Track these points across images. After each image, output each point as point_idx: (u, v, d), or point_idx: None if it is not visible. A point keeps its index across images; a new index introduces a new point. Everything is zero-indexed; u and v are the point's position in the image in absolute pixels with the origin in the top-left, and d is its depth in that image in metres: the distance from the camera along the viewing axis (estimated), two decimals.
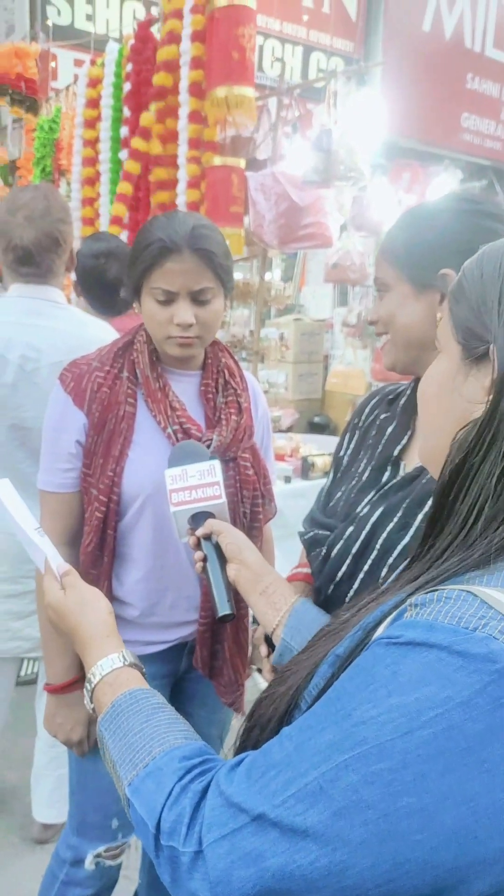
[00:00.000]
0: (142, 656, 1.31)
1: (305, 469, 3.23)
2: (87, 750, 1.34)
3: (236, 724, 1.45)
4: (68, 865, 1.38)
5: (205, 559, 1.00)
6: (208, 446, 1.23)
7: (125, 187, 3.05)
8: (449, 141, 7.06)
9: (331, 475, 1.17)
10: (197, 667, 1.34)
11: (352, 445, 1.14)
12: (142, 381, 1.26)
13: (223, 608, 0.96)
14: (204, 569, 1.00)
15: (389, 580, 0.71)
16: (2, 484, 0.93)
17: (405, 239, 0.98)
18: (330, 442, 3.70)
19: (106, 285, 2.39)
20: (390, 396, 1.13)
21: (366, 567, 0.95)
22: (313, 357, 4.98)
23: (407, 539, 0.92)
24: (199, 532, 1.01)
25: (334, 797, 0.49)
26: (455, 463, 0.57)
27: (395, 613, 0.56)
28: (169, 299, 1.19)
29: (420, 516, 0.92)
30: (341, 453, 1.16)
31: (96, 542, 1.25)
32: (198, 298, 1.20)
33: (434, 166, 4.79)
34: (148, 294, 1.20)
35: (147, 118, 2.93)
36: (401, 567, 0.73)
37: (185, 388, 1.31)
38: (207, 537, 1.01)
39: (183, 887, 0.54)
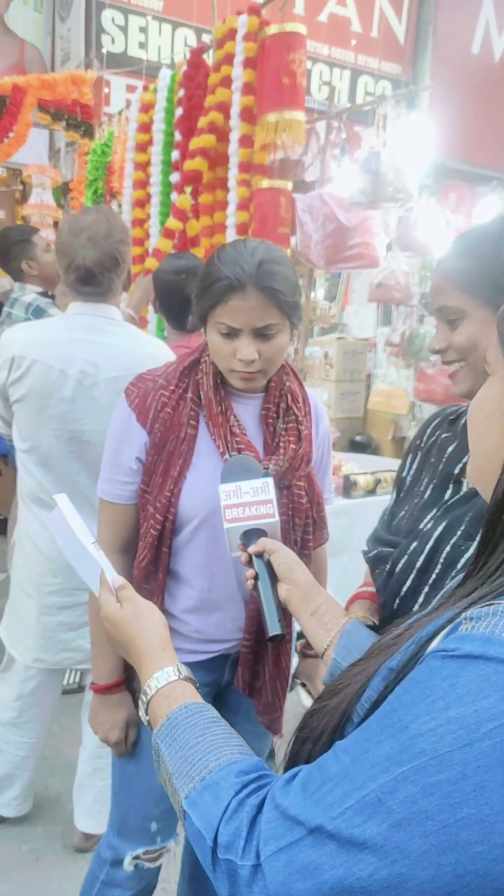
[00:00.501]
0: (185, 664, 1.35)
1: (347, 488, 3.22)
2: (125, 752, 1.37)
3: (280, 741, 1.46)
4: (108, 866, 1.41)
5: (256, 577, 1.01)
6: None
7: (184, 202, 3.07)
8: (497, 162, 7.03)
9: (394, 495, 1.19)
10: (238, 686, 1.35)
11: (414, 465, 1.16)
12: (205, 403, 1.26)
13: (273, 628, 0.96)
14: (255, 587, 1.01)
15: (439, 596, 0.72)
16: (61, 499, 0.96)
17: (478, 264, 0.98)
18: (371, 461, 3.69)
19: (184, 302, 2.45)
20: (451, 417, 1.15)
21: (430, 580, 0.97)
22: (355, 376, 4.98)
23: (471, 552, 0.93)
24: (252, 549, 1.02)
25: (393, 809, 0.49)
26: None
27: (449, 627, 0.57)
28: (232, 334, 1.18)
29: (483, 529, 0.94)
30: (404, 474, 1.18)
31: (150, 559, 1.27)
32: (262, 333, 1.18)
33: (481, 187, 4.77)
34: (213, 327, 1.20)
35: (207, 140, 2.98)
36: (451, 584, 0.74)
37: (246, 410, 1.30)
38: (259, 555, 1.02)
39: None
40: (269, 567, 1.01)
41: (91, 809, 2.07)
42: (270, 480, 1.09)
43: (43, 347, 1.72)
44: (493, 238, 1.00)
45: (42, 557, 1.84)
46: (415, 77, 6.39)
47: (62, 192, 5.21)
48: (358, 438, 4.74)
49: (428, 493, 1.06)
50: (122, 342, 1.76)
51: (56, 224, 4.60)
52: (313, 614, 0.95)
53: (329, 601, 0.97)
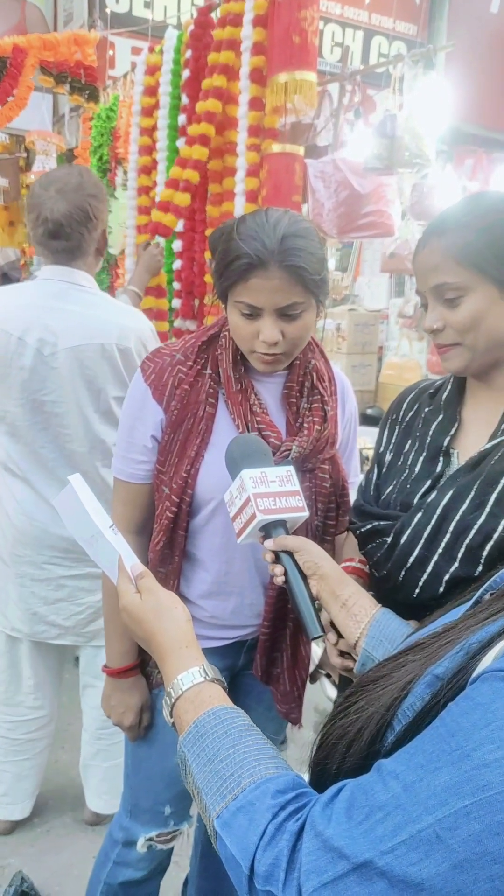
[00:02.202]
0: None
1: (360, 462, 3.18)
2: (138, 735, 1.35)
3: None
4: (121, 846, 1.40)
5: (285, 572, 0.97)
6: (286, 455, 1.17)
7: (191, 174, 2.95)
8: None
9: (375, 471, 1.17)
10: (256, 673, 1.32)
11: (393, 440, 1.16)
12: (223, 380, 1.20)
13: (314, 630, 0.92)
14: (286, 582, 0.97)
15: (482, 590, 0.67)
16: (76, 478, 0.91)
17: (484, 237, 0.93)
18: None
19: None
20: (430, 391, 1.15)
21: (440, 549, 0.96)
22: (367, 348, 4.91)
23: (483, 518, 0.93)
24: (271, 546, 0.97)
25: (454, 848, 0.45)
26: None
27: None
28: (254, 314, 1.10)
29: (494, 495, 0.93)
30: (382, 449, 1.18)
31: (165, 542, 1.23)
32: (286, 313, 1.10)
33: (498, 153, 4.64)
34: (233, 306, 1.12)
35: (214, 104, 2.86)
36: (486, 586, 0.69)
37: (268, 389, 1.24)
38: (287, 553, 0.97)
39: None
40: (297, 564, 0.97)
41: (98, 789, 2.08)
42: (292, 469, 1.03)
43: (5, 314, 1.67)
44: (499, 210, 0.95)
45: (12, 527, 1.81)
46: (431, 38, 6.17)
47: (67, 158, 5.09)
48: (369, 412, 4.68)
49: (418, 466, 1.06)
50: (85, 310, 1.70)
51: None
52: (343, 606, 0.92)
53: (358, 591, 0.94)
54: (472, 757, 0.46)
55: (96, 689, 2.01)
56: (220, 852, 0.59)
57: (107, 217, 1.76)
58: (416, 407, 1.15)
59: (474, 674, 0.53)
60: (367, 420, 4.63)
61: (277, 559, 0.98)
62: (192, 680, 0.72)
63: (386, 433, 1.18)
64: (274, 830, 0.54)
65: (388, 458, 1.15)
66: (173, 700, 0.71)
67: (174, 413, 1.20)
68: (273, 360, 1.15)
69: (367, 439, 3.46)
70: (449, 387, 1.10)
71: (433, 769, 0.48)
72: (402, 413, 1.16)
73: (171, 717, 0.72)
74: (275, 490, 0.99)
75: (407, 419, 1.15)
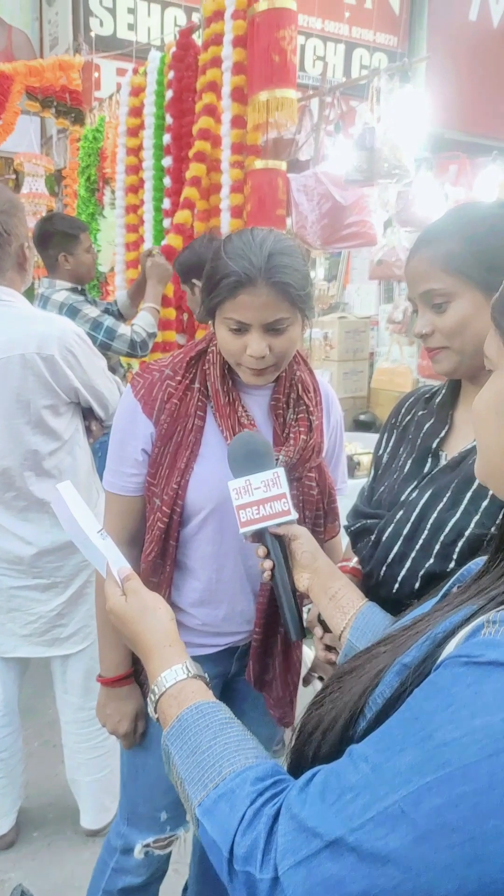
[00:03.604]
0: (192, 657, 1.34)
1: (351, 467, 3.22)
2: (134, 743, 1.37)
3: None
4: (118, 853, 1.42)
5: (273, 567, 1.01)
6: None
7: (191, 192, 2.99)
8: (497, 131, 6.89)
9: (372, 473, 1.21)
10: (248, 679, 1.35)
11: (391, 444, 1.20)
12: (212, 394, 1.24)
13: (295, 634, 0.97)
14: (273, 578, 1.01)
15: (451, 582, 0.71)
16: (65, 486, 0.93)
17: (469, 246, 0.97)
18: (375, 440, 3.67)
19: None
20: (426, 395, 1.18)
21: (418, 546, 0.99)
22: (358, 355, 4.94)
23: (458, 516, 0.96)
24: (278, 531, 1.02)
25: (417, 821, 0.48)
26: None
27: (469, 628, 0.55)
28: (242, 329, 1.14)
29: (469, 493, 0.97)
30: (380, 452, 1.21)
31: (157, 552, 1.26)
32: (273, 328, 1.14)
33: (481, 157, 4.69)
34: (221, 322, 1.16)
35: (206, 121, 2.91)
36: (463, 570, 0.73)
37: (255, 402, 1.28)
38: (278, 537, 1.02)
39: None
40: (286, 561, 1.01)
41: (85, 806, 2.09)
42: (282, 471, 1.06)
43: None
44: (482, 220, 0.99)
45: None
46: (411, 48, 6.26)
47: (56, 179, 5.16)
48: (362, 417, 4.71)
49: (407, 467, 1.09)
50: (2, 323, 1.70)
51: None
52: (332, 599, 0.96)
53: (347, 585, 0.98)
54: (434, 737, 0.49)
55: (68, 703, 2.03)
56: (203, 840, 0.62)
57: (25, 231, 1.75)
58: (413, 411, 1.18)
59: (438, 661, 0.56)
60: (360, 426, 4.66)
61: (269, 555, 1.02)
62: (175, 677, 0.75)
63: (385, 437, 1.22)
64: (252, 815, 0.57)
65: (384, 460, 1.19)
66: (157, 696, 0.74)
67: (164, 426, 1.23)
68: (261, 373, 1.19)
69: (358, 445, 3.50)
70: (443, 391, 1.13)
71: (399, 750, 0.51)
72: (400, 417, 1.20)
73: (156, 712, 0.75)
74: (259, 497, 1.02)
75: (404, 423, 1.18)
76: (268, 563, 1.02)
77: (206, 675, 0.79)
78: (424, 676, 0.56)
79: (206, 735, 0.66)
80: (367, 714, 0.62)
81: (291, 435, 1.25)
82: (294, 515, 1.04)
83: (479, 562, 0.71)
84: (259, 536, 1.04)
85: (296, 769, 0.65)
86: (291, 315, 1.14)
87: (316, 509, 1.30)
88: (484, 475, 0.68)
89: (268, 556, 1.02)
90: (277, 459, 1.21)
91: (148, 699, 0.77)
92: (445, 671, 0.53)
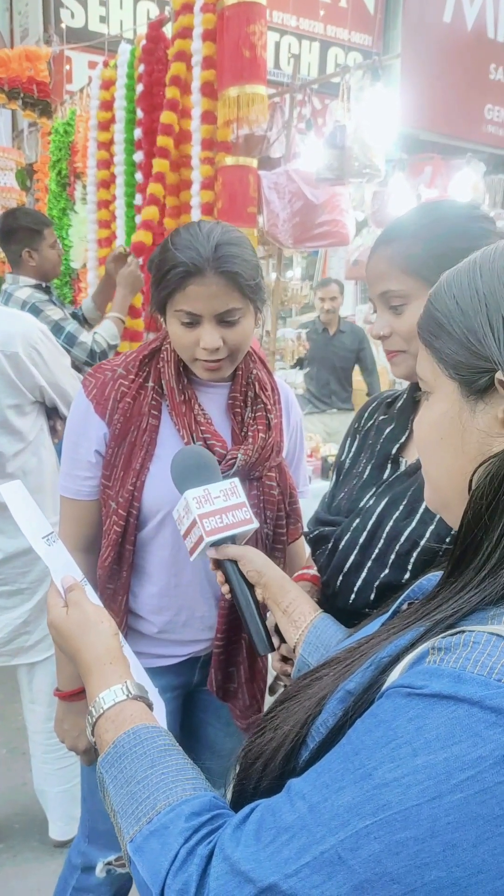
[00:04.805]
0: (153, 668, 1.30)
1: (325, 469, 3.21)
2: (94, 759, 1.32)
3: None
4: (79, 872, 1.38)
5: (229, 584, 0.99)
6: (233, 464, 1.18)
7: (156, 188, 2.91)
8: (472, 133, 6.91)
9: (333, 479, 1.19)
10: (210, 689, 1.31)
11: (353, 449, 1.17)
12: (167, 392, 1.21)
13: (262, 648, 0.95)
14: (232, 594, 0.98)
15: (400, 600, 0.68)
16: (13, 487, 0.88)
17: (429, 248, 0.94)
18: None
19: None
20: (388, 400, 1.16)
21: (373, 555, 0.96)
22: None
23: (413, 525, 0.94)
24: (214, 555, 0.99)
25: (355, 868, 0.45)
26: (486, 498, 0.53)
27: (413, 654, 0.52)
28: (194, 322, 1.12)
29: (425, 502, 0.93)
30: (343, 457, 1.18)
31: (114, 557, 1.23)
32: (224, 320, 1.13)
33: (456, 159, 4.71)
34: (172, 316, 1.14)
35: (168, 116, 2.86)
36: (404, 595, 0.70)
37: (212, 400, 1.25)
38: (231, 562, 0.98)
39: None
40: (243, 576, 0.98)
41: (53, 815, 2.05)
42: (237, 481, 1.03)
43: None
44: (441, 222, 0.96)
45: None
46: (385, 47, 6.26)
47: (27, 173, 5.06)
48: None
49: (367, 473, 1.07)
50: None
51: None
52: (284, 612, 0.93)
53: (299, 597, 0.95)
54: (373, 776, 0.46)
55: (35, 712, 1.99)
56: (135, 878, 0.58)
57: None
58: (375, 416, 1.16)
59: (382, 689, 0.53)
60: None
61: (223, 572, 0.99)
62: (113, 698, 0.69)
63: (348, 442, 1.19)
64: (185, 855, 0.53)
65: (346, 466, 1.17)
66: (94, 719, 0.69)
67: (117, 426, 1.20)
68: (216, 367, 1.17)
69: (332, 447, 3.49)
70: (405, 396, 1.11)
71: (337, 789, 0.48)
72: (363, 422, 1.18)
73: (93, 735, 0.70)
74: (220, 506, 0.99)
75: (366, 428, 1.16)
76: (226, 589, 1.00)
77: (149, 697, 0.74)
78: (368, 705, 0.53)
79: (143, 763, 0.61)
80: (309, 744, 0.58)
81: (250, 433, 1.23)
82: (255, 524, 1.01)
83: (431, 577, 0.68)
84: (217, 562, 1.00)
85: (238, 802, 0.61)
86: (244, 306, 1.14)
87: (277, 510, 1.28)
88: (436, 506, 0.65)
89: (226, 580, 0.99)
90: (235, 460, 1.18)
91: (86, 721, 0.72)
92: (388, 702, 0.50)
